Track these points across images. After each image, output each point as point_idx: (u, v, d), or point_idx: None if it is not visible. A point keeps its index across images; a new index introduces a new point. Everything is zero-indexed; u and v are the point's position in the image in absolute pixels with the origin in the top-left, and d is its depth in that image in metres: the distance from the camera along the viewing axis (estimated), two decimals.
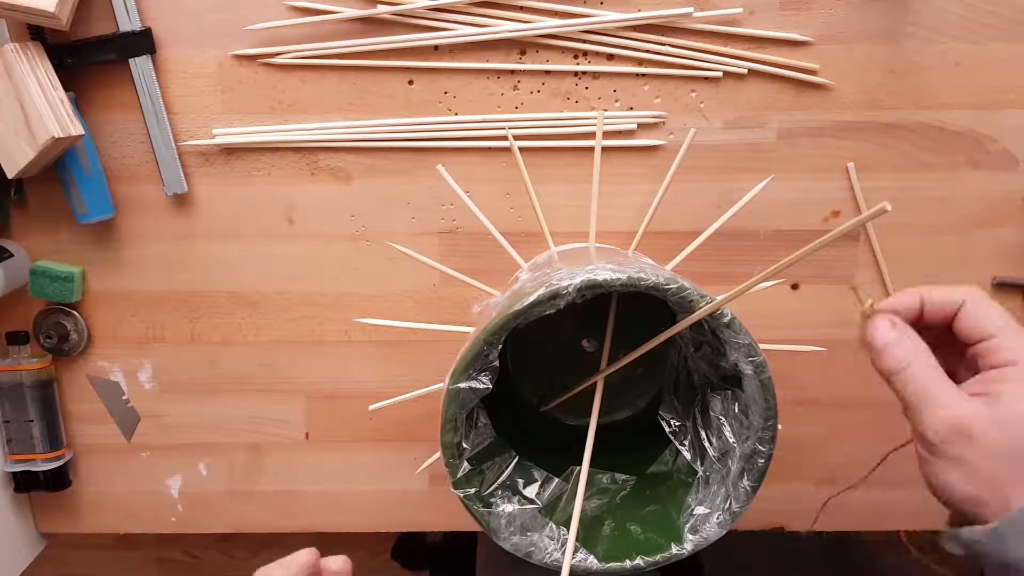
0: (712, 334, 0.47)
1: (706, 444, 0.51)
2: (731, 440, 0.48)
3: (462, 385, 0.44)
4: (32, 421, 0.61)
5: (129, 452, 0.65)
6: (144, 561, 1.33)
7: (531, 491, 0.50)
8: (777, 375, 0.45)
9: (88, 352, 0.63)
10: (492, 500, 0.48)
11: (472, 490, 0.46)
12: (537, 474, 0.51)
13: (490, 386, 0.44)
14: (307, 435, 0.64)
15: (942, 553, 0.45)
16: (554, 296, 0.42)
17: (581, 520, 0.48)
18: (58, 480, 0.63)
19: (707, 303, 0.43)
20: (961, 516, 0.40)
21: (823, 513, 0.53)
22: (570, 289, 0.42)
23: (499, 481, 0.49)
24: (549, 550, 0.47)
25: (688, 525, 0.48)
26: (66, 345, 0.61)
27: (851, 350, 0.61)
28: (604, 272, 0.42)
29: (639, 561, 0.47)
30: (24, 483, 0.62)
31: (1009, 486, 0.38)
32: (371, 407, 0.57)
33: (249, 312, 0.62)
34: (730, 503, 0.47)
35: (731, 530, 0.47)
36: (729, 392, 0.48)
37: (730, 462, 0.48)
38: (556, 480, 0.51)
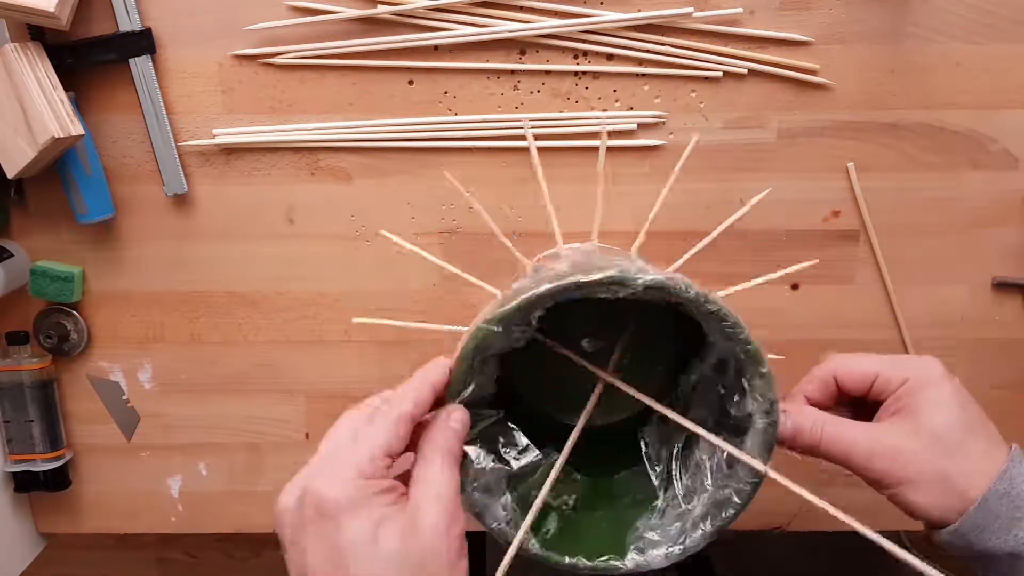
0: (736, 377, 0.46)
1: (675, 478, 0.50)
2: (707, 483, 0.48)
3: (495, 328, 0.42)
4: (32, 421, 0.61)
5: (129, 452, 0.65)
6: (144, 561, 1.33)
7: (510, 454, 0.49)
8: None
9: (88, 352, 0.63)
10: (469, 447, 0.46)
11: None
12: (519, 439, 0.50)
13: (523, 340, 0.44)
14: (307, 435, 0.64)
15: (942, 552, 0.46)
16: (621, 283, 0.41)
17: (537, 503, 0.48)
18: (58, 480, 0.63)
19: (744, 334, 0.43)
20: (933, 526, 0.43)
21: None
22: (639, 284, 0.41)
23: (480, 428, 0.48)
24: (499, 518, 0.46)
25: (633, 546, 0.47)
26: (66, 345, 0.61)
27: (851, 350, 0.61)
28: (676, 281, 0.42)
29: (577, 561, 0.46)
30: (24, 483, 0.62)
31: (960, 479, 0.42)
32: (355, 320, 0.57)
33: (249, 312, 0.62)
34: (685, 540, 0.46)
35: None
36: (723, 437, 0.48)
37: (695, 501, 0.47)
38: (536, 452, 0.50)
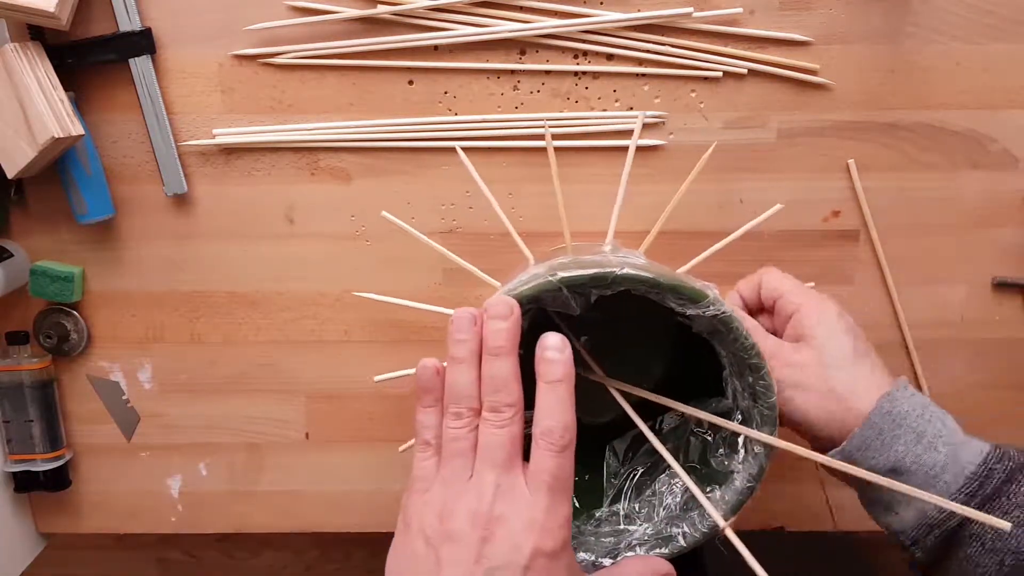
0: (733, 432, 0.47)
1: (624, 497, 0.50)
2: (656, 515, 0.48)
3: (561, 289, 0.42)
4: (32, 421, 0.61)
5: (129, 452, 0.65)
6: (144, 561, 1.32)
7: None
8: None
9: (88, 352, 0.63)
10: None
11: None
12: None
13: (578, 310, 0.44)
14: (307, 435, 0.64)
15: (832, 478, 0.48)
16: (693, 300, 0.42)
17: None
18: (58, 480, 0.63)
19: (772, 399, 0.44)
20: (818, 442, 0.48)
21: (823, 513, 0.53)
22: (709, 310, 0.42)
23: None
24: None
25: None
26: (66, 345, 0.61)
27: None
28: (740, 322, 0.43)
29: None
30: (24, 483, 0.62)
31: (846, 394, 0.46)
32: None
33: (249, 312, 0.62)
34: (617, 556, 0.46)
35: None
36: (692, 479, 0.48)
37: (636, 526, 0.48)
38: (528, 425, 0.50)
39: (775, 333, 0.51)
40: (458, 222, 0.60)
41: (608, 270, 0.42)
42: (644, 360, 0.58)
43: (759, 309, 0.54)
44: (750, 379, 0.44)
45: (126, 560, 1.37)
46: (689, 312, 0.43)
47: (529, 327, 0.46)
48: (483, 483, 0.38)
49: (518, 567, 0.35)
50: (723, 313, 0.42)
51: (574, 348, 0.55)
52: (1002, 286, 0.60)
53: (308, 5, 0.56)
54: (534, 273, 0.44)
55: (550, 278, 0.42)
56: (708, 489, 0.47)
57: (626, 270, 0.42)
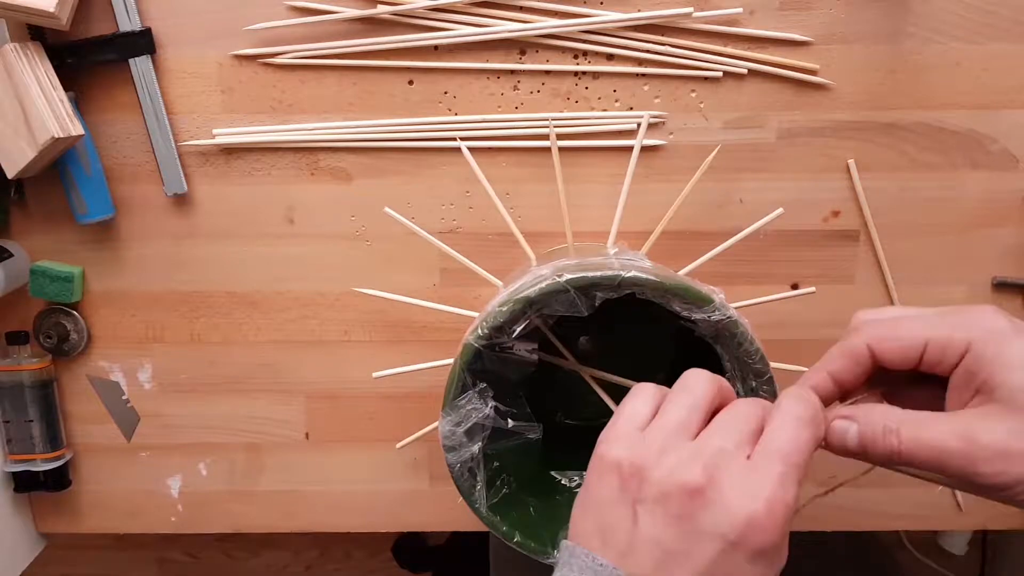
0: None
1: None
2: None
3: (569, 290, 0.42)
4: (32, 421, 0.61)
5: (129, 452, 0.65)
6: (144, 561, 1.33)
7: (508, 414, 0.50)
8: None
9: (88, 352, 0.63)
10: (474, 383, 0.47)
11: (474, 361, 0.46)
12: (524, 406, 0.51)
13: (585, 311, 0.44)
14: (307, 435, 0.64)
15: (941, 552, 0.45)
16: (697, 304, 0.42)
17: (499, 467, 0.49)
18: (58, 480, 0.63)
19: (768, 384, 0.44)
20: None
21: (823, 513, 0.53)
22: (715, 316, 0.42)
23: (520, 373, 0.48)
24: (463, 460, 0.47)
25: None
26: (66, 345, 0.61)
27: None
28: (747, 328, 0.43)
29: (513, 533, 0.47)
30: (24, 483, 0.62)
31: None
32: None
33: (249, 312, 0.62)
34: None
35: None
36: None
37: None
38: (535, 424, 0.51)
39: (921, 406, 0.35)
40: (458, 222, 0.60)
41: (615, 272, 0.42)
42: (646, 363, 0.58)
43: (871, 381, 0.38)
44: (753, 383, 0.44)
45: (126, 560, 1.37)
46: (695, 316, 0.43)
47: (532, 331, 0.47)
48: None
49: None
50: (729, 318, 0.42)
51: (552, 344, 0.55)
52: (1002, 286, 0.60)
53: (308, 5, 0.56)
54: (539, 274, 0.44)
55: (557, 279, 0.42)
56: None
57: (633, 273, 0.42)
